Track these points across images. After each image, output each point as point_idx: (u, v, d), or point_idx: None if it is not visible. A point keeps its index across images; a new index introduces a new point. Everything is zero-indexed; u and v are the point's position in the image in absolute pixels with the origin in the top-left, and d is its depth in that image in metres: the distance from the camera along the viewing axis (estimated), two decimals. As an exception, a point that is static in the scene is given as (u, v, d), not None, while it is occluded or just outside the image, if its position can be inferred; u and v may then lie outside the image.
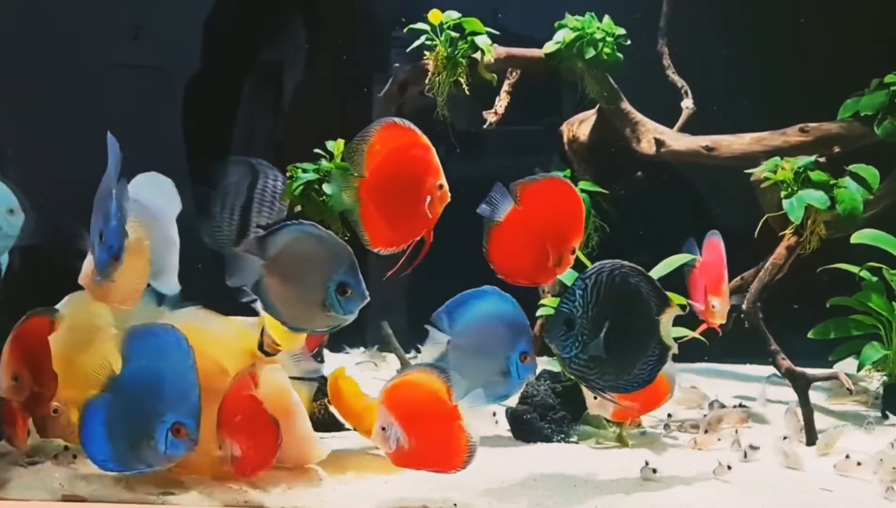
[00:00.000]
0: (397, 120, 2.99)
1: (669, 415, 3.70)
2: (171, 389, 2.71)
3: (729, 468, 3.05)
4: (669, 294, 3.93)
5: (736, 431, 3.50)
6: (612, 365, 2.92)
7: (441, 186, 2.94)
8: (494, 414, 3.64)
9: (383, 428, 2.80)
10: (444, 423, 2.80)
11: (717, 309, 3.45)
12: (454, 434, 2.80)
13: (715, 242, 3.56)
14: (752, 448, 3.26)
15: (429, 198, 2.94)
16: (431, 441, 2.80)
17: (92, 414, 2.73)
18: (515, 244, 3.00)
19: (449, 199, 2.96)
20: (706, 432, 3.45)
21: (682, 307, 3.72)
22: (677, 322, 3.76)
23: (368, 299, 2.91)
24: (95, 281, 2.87)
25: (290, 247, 2.93)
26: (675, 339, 3.03)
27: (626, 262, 2.95)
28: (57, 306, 3.11)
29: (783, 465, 3.21)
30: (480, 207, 3.00)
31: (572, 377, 3.01)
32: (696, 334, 3.66)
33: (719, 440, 3.44)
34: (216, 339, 3.00)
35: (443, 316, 2.94)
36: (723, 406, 3.84)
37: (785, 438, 3.34)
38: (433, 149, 2.98)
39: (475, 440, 2.80)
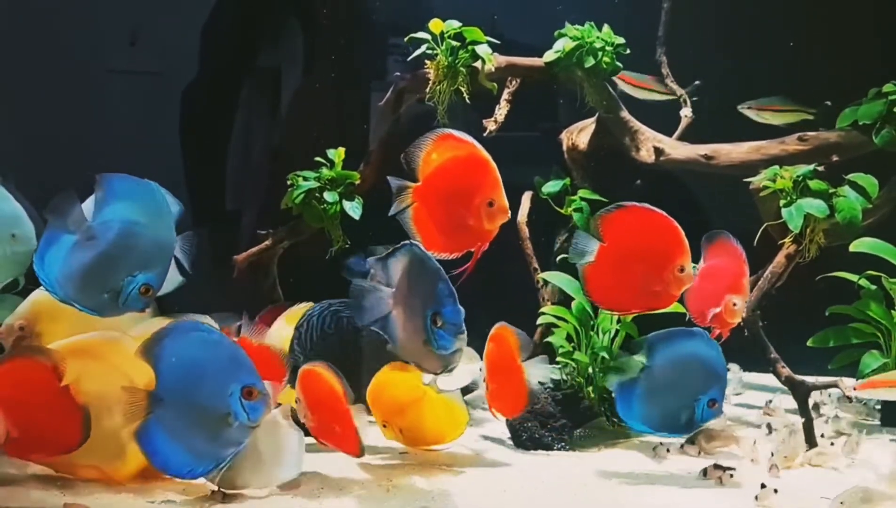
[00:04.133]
0: (454, 131, 2.99)
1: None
2: (221, 362, 2.69)
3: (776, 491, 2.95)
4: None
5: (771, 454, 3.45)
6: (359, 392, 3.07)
7: (492, 204, 2.90)
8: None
9: None
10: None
11: (740, 307, 3.39)
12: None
13: (724, 241, 3.51)
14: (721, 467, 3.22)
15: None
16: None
17: (151, 439, 2.68)
18: (613, 279, 3.07)
19: (508, 216, 2.94)
20: (692, 443, 3.48)
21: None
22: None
23: (464, 332, 2.80)
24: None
25: (405, 272, 2.85)
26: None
27: (334, 301, 3.16)
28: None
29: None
30: (571, 257, 3.12)
31: None
32: None
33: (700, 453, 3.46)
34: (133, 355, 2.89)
35: (645, 344, 3.10)
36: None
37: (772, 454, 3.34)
38: (490, 165, 2.95)
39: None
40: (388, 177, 3.01)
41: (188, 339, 2.71)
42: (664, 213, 3.07)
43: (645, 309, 3.17)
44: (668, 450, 3.45)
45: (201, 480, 2.84)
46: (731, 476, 3.15)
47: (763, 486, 2.92)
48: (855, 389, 3.37)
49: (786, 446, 3.37)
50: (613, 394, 3.21)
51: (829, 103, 4.13)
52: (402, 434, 3.27)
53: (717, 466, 3.18)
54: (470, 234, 2.94)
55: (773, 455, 3.30)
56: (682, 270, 3.04)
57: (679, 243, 3.05)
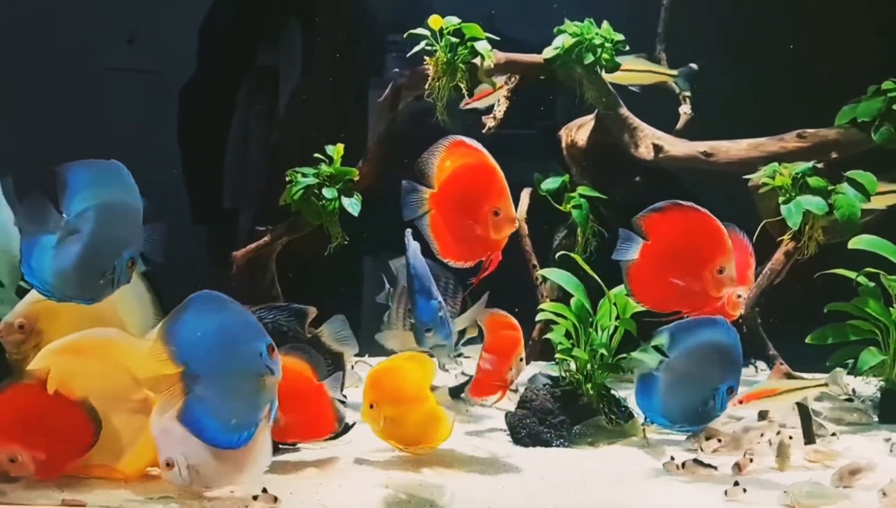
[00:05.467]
0: (466, 139, 3.00)
1: None
2: (244, 326, 2.69)
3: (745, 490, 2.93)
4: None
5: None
6: None
7: (497, 213, 2.92)
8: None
9: None
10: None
11: (744, 300, 3.36)
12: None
13: (730, 234, 3.48)
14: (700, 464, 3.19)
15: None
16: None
17: (196, 417, 2.64)
18: (655, 278, 3.06)
19: (516, 226, 2.98)
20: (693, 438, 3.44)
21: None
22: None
23: (432, 331, 2.98)
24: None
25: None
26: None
27: (253, 309, 3.13)
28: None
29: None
30: (615, 254, 3.09)
31: None
32: None
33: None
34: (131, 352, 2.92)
35: (665, 335, 3.03)
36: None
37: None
38: (497, 173, 2.96)
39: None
40: (404, 181, 3.02)
41: (208, 311, 2.68)
42: (708, 213, 3.05)
43: (689, 309, 3.12)
44: (647, 443, 3.45)
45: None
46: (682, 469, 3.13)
47: (736, 483, 2.90)
48: (741, 402, 3.28)
49: (783, 445, 3.37)
50: (633, 385, 3.18)
51: (693, 66, 4.14)
52: (384, 422, 3.18)
53: (696, 461, 3.15)
54: (480, 243, 2.95)
55: (751, 458, 3.28)
56: (721, 271, 3.00)
57: (719, 243, 3.02)
